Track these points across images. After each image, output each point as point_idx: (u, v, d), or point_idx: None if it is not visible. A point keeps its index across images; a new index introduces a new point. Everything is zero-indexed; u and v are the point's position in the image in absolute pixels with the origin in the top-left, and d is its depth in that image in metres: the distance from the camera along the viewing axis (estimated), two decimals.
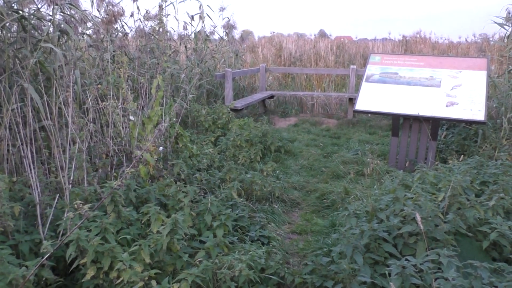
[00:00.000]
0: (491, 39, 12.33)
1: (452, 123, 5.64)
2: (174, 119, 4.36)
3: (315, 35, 16.68)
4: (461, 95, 4.50)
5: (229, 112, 6.12)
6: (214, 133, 5.88)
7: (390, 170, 4.56)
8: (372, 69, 5.14)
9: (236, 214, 3.06)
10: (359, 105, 4.81)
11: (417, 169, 3.20)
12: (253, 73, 9.02)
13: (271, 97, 8.75)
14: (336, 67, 12.33)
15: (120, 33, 6.71)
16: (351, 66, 8.41)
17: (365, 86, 5.00)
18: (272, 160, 5.28)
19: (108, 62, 5.78)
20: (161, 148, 3.57)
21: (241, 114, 7.72)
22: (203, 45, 7.96)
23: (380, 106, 4.73)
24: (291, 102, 9.17)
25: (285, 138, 6.43)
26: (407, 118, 4.69)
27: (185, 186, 2.84)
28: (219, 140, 5.49)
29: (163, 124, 4.00)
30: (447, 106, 4.46)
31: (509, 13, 5.59)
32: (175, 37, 8.32)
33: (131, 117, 3.37)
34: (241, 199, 3.43)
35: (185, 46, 7.59)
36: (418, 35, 15.65)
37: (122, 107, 3.51)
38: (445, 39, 15.83)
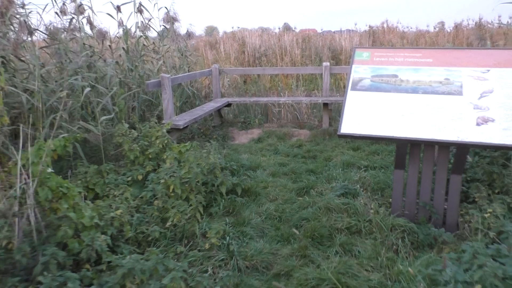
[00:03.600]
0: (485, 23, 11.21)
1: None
2: (49, 168, 2.63)
3: (279, 28, 15.29)
4: (496, 106, 3.00)
5: (164, 136, 4.39)
6: (143, 167, 4.16)
7: (399, 224, 3.02)
8: (359, 71, 3.57)
9: None
10: (346, 127, 3.22)
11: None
12: (203, 76, 7.31)
13: (228, 105, 7.07)
14: (303, 61, 10.81)
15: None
16: (324, 64, 6.84)
17: (351, 96, 3.42)
18: (224, 208, 3.64)
19: None
20: None
21: (188, 131, 6.03)
22: (136, 45, 6.18)
23: (376, 128, 3.16)
24: (253, 110, 7.53)
25: (244, 164, 4.79)
26: (417, 143, 3.15)
27: None
28: (149, 179, 3.81)
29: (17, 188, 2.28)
30: (477, 124, 2.95)
31: None
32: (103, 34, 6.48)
33: None
34: None
35: (109, 46, 5.78)
36: (385, 25, 14.58)
37: None
38: (411, 28, 14.89)
